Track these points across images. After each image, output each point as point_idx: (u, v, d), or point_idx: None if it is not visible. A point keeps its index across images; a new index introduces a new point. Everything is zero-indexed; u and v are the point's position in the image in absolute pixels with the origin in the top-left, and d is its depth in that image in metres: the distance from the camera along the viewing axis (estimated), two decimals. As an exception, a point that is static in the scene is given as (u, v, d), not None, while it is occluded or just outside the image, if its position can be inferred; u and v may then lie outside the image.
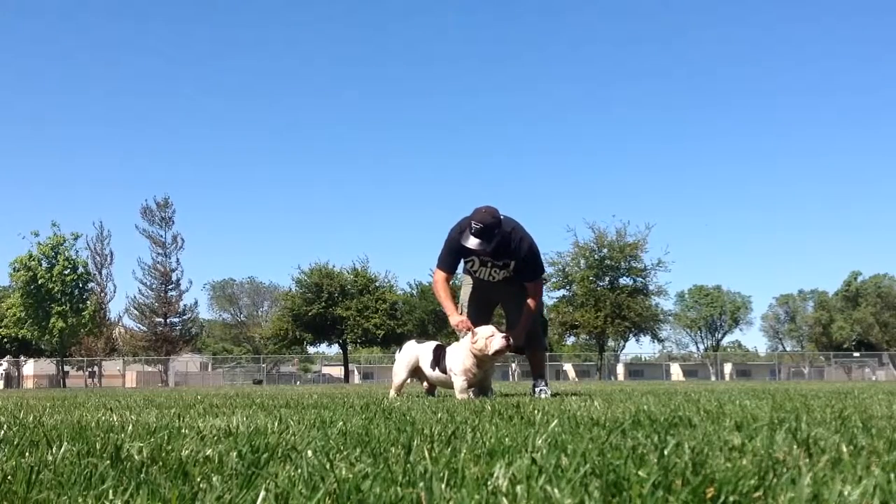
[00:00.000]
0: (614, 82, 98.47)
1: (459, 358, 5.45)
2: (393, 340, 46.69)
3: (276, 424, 2.78)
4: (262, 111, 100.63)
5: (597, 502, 1.22)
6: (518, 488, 1.27)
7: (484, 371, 5.55)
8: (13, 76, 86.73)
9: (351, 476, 1.43)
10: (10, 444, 2.18)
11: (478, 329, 5.41)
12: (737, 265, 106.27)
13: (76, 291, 40.69)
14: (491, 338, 5.30)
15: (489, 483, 1.36)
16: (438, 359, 5.65)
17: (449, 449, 1.85)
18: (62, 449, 1.96)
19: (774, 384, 16.77)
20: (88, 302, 42.13)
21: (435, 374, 5.70)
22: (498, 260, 5.89)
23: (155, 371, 50.36)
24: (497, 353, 5.33)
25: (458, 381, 5.43)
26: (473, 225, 5.61)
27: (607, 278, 44.55)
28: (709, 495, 1.24)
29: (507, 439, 2.06)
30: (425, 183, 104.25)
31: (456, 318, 5.72)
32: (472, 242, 5.61)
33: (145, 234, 51.24)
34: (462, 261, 6.05)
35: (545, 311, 6.73)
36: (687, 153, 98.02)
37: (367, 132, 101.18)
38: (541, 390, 6.19)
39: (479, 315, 6.05)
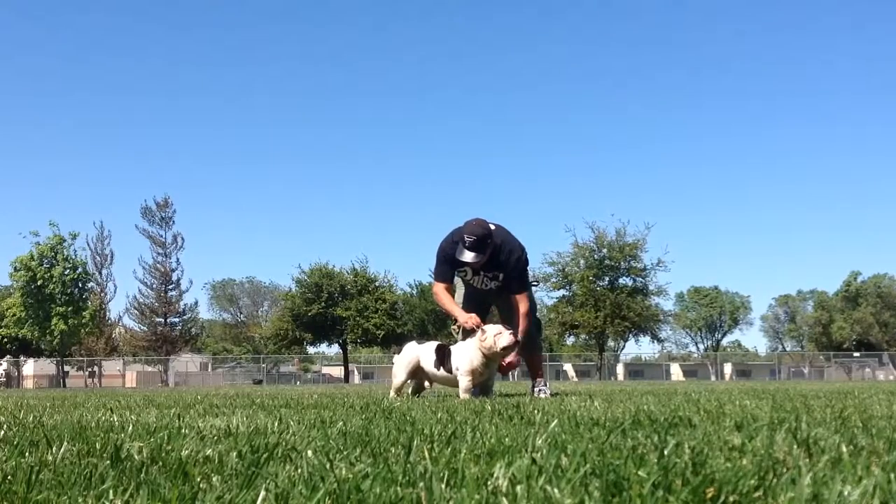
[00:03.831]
0: (614, 82, 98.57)
1: (467, 358, 5.47)
2: (393, 340, 46.74)
3: (276, 424, 2.78)
4: (262, 111, 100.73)
5: (597, 502, 1.22)
6: (518, 488, 1.27)
7: (489, 371, 5.59)
8: (13, 76, 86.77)
9: (351, 476, 1.43)
10: (10, 444, 2.18)
11: (486, 327, 5.48)
12: (736, 265, 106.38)
13: (76, 291, 40.70)
14: (499, 335, 5.39)
15: (489, 483, 1.36)
16: (443, 358, 5.66)
17: (449, 449, 1.84)
18: (62, 449, 1.96)
19: (774, 384, 16.78)
20: (88, 302, 42.14)
21: (440, 372, 5.70)
22: (488, 272, 5.98)
23: (155, 371, 50.37)
24: (505, 349, 5.40)
25: (464, 381, 5.45)
26: (466, 238, 5.70)
27: (607, 278, 44.56)
28: (709, 495, 1.24)
29: (507, 439, 2.06)
30: (425, 183, 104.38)
31: (464, 316, 5.77)
32: (467, 256, 5.73)
33: (145, 233, 51.36)
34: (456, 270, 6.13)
35: (540, 311, 6.81)
36: (686, 153, 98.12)
37: (367, 132, 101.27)
38: (540, 390, 6.22)
39: (475, 313, 6.13)
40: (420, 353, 5.85)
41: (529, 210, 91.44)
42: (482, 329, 5.46)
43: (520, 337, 5.81)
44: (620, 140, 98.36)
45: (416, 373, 5.90)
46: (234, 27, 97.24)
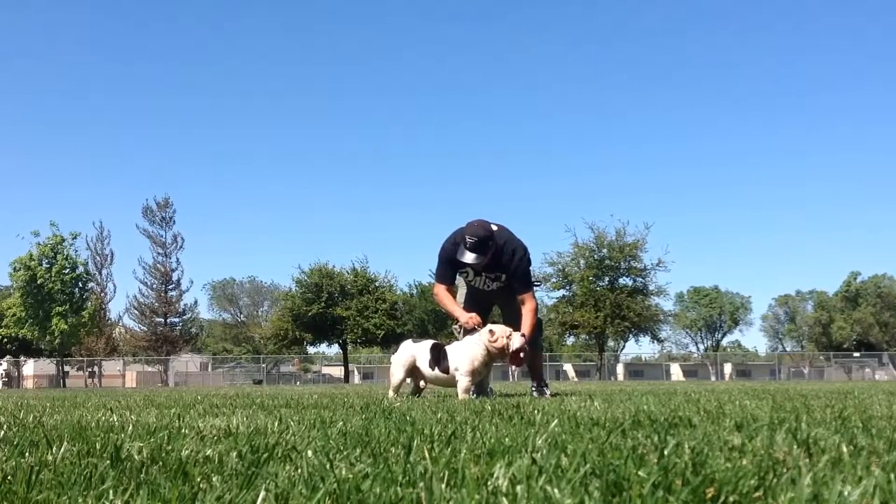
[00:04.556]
0: (614, 82, 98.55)
1: (468, 358, 5.44)
2: (393, 340, 46.65)
3: (276, 424, 2.78)
4: (262, 111, 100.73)
5: (597, 502, 1.22)
6: (518, 488, 1.27)
7: (487, 371, 5.60)
8: (13, 76, 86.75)
9: (351, 476, 1.43)
10: (10, 444, 2.18)
11: (494, 327, 5.45)
12: (736, 265, 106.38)
13: (76, 291, 40.70)
14: (511, 336, 5.39)
15: (489, 483, 1.36)
16: (438, 357, 5.62)
17: (449, 449, 1.84)
18: (62, 449, 1.96)
19: (774, 384, 16.78)
20: (88, 302, 42.14)
21: (434, 372, 5.67)
22: (490, 273, 5.97)
23: (155, 371, 50.37)
24: (517, 351, 5.39)
25: (464, 382, 5.43)
26: (468, 239, 5.69)
27: (607, 278, 44.54)
28: (709, 495, 1.24)
29: (507, 439, 2.06)
30: (425, 183, 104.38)
31: (465, 316, 5.77)
32: (469, 257, 5.72)
33: (146, 233, 51.39)
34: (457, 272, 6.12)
35: (540, 311, 6.80)
36: (686, 153, 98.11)
37: (368, 132, 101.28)
38: (540, 391, 6.22)
39: (477, 313, 6.11)
40: (416, 351, 5.82)
41: (529, 210, 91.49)
42: (490, 330, 5.44)
43: (527, 333, 5.80)
44: (620, 140, 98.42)
45: (413, 372, 5.88)
46: (234, 27, 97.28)
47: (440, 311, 6.15)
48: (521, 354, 5.50)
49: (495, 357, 5.48)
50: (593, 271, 44.11)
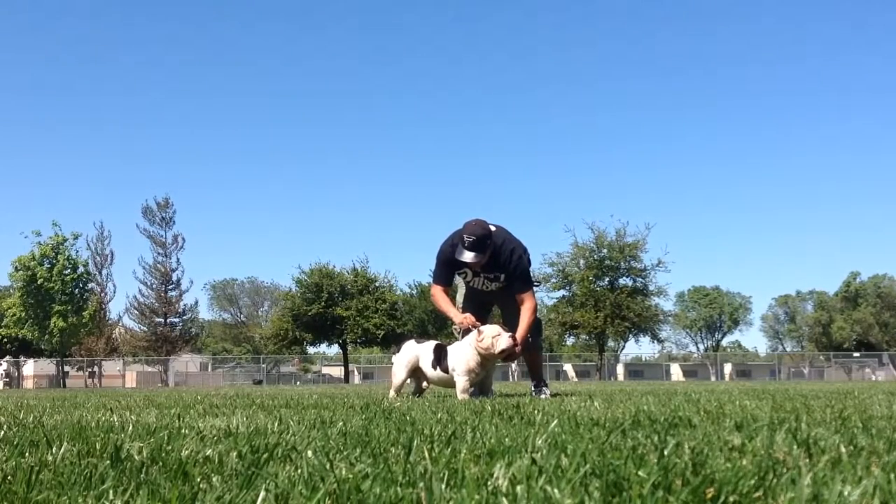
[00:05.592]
0: (614, 82, 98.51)
1: (463, 358, 5.44)
2: (393, 340, 46.70)
3: (276, 424, 2.78)
4: (262, 111, 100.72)
5: (597, 502, 1.22)
6: (518, 488, 1.27)
7: (486, 371, 5.57)
8: (13, 75, 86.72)
9: (351, 476, 1.43)
10: (10, 444, 2.18)
11: (483, 327, 5.45)
12: (736, 266, 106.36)
13: (76, 291, 40.66)
14: (497, 337, 5.36)
15: (489, 483, 1.36)
16: (440, 358, 5.64)
17: (449, 449, 1.84)
18: (62, 449, 1.96)
19: (774, 384, 16.77)
20: (88, 302, 42.10)
21: (436, 373, 5.69)
22: (489, 273, 5.94)
23: (155, 371, 50.33)
24: (503, 351, 5.36)
25: (461, 382, 5.43)
26: (466, 238, 5.67)
27: (607, 278, 44.54)
28: (709, 495, 1.24)
29: (507, 439, 2.06)
30: (425, 183, 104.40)
31: (459, 316, 5.76)
32: (467, 256, 5.69)
33: (146, 233, 51.33)
34: (456, 272, 6.11)
35: (540, 311, 6.79)
36: (686, 153, 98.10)
37: (368, 132, 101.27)
38: (540, 391, 6.21)
39: (476, 315, 6.09)
40: (419, 352, 5.84)
41: (529, 210, 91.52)
42: (479, 330, 5.43)
43: (523, 332, 5.78)
44: (620, 140, 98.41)
45: (416, 372, 5.89)
46: (235, 27, 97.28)
47: (440, 311, 6.16)
48: (517, 348, 5.49)
49: (489, 357, 5.46)
50: (593, 271, 44.11)
